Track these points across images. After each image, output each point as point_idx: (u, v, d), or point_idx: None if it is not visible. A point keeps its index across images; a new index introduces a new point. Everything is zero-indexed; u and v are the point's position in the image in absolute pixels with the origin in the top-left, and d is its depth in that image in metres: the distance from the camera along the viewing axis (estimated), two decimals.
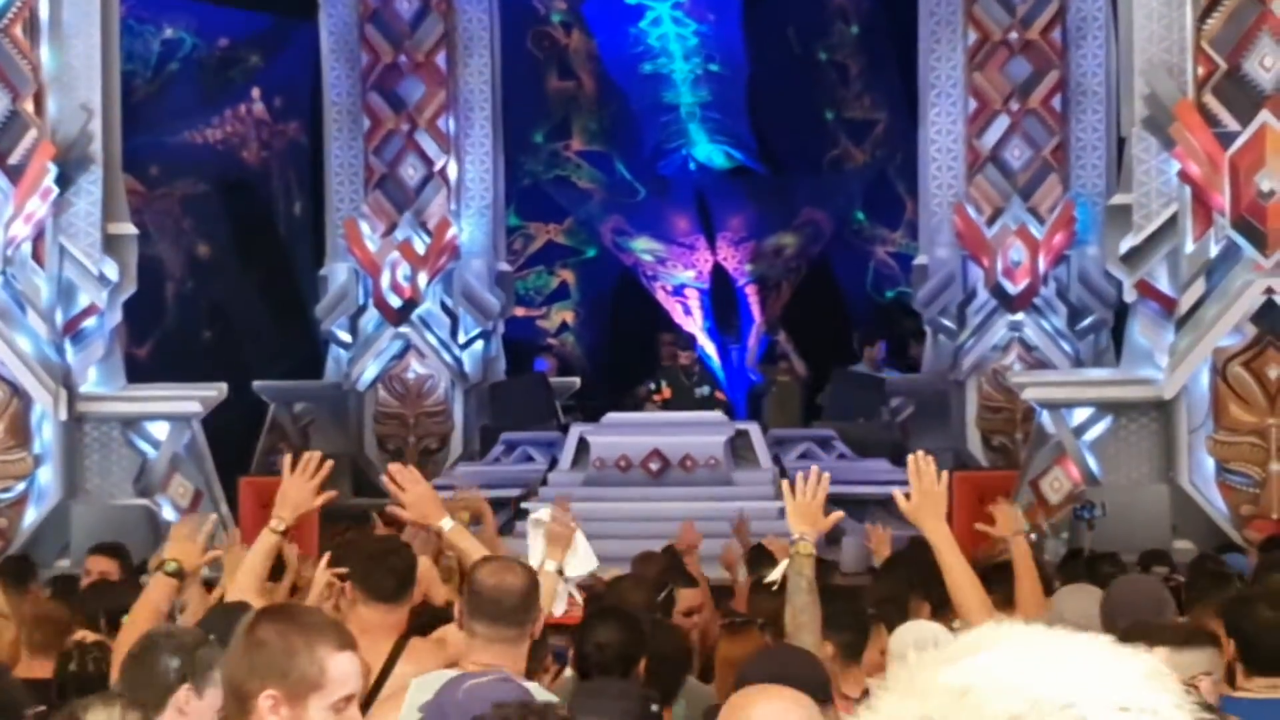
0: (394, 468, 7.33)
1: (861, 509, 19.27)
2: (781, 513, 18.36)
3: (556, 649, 7.50)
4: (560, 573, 7.73)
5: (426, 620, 7.32)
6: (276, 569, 8.44)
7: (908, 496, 7.26)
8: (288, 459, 7.28)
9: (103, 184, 17.95)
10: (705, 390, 21.08)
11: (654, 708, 5.45)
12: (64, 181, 17.73)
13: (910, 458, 7.44)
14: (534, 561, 7.99)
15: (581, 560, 7.99)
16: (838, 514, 7.43)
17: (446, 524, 7.21)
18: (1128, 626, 5.97)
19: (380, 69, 23.38)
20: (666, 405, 20.79)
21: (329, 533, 14.89)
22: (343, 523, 16.64)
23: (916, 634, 6.27)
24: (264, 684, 4.25)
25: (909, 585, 9.03)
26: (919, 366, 23.45)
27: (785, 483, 7.31)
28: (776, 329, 25.09)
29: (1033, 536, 15.27)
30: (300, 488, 7.15)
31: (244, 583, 6.99)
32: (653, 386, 20.98)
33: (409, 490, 7.19)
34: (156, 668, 5.63)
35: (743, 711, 4.67)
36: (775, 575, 7.18)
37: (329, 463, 7.17)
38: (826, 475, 7.27)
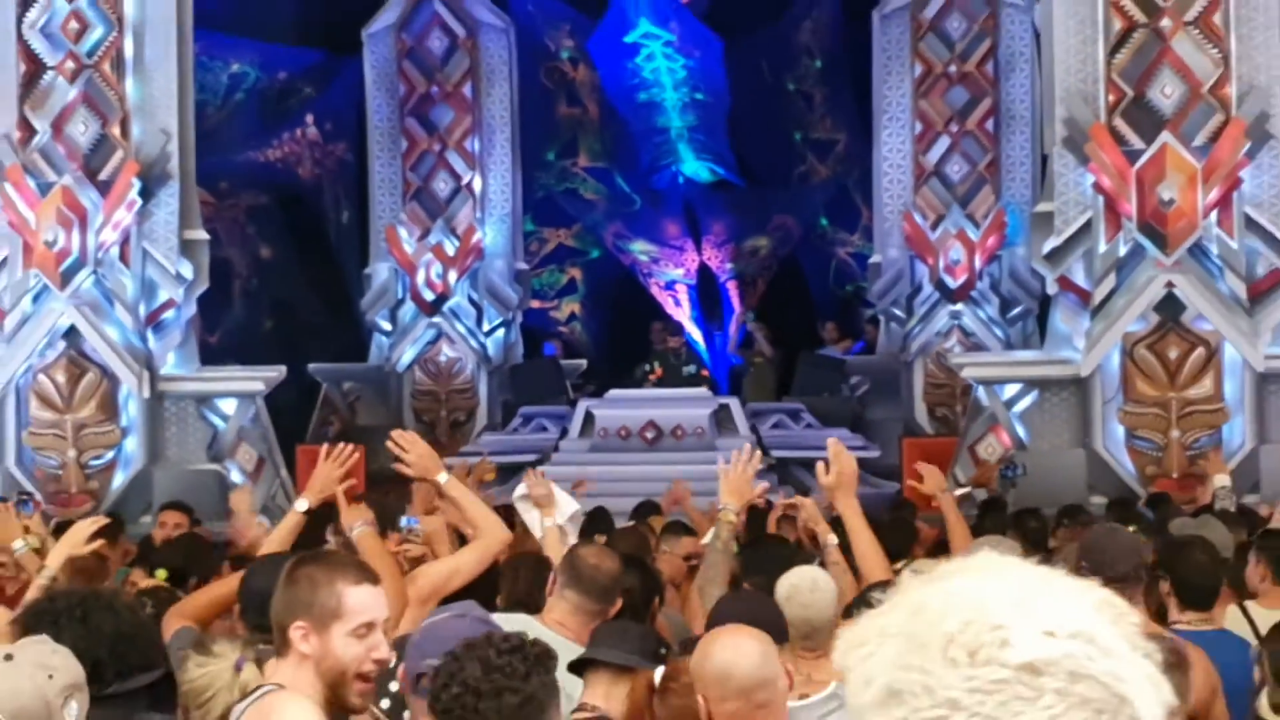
0: (396, 433, 7.20)
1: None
2: (758, 474, 18.43)
3: None
4: (561, 530, 7.75)
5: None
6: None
7: (827, 469, 7.21)
8: (325, 448, 7.19)
9: (179, 196, 17.95)
10: (692, 369, 21.11)
11: (663, 650, 5.44)
12: (146, 194, 17.75)
13: (830, 441, 7.41)
14: (536, 529, 7.96)
15: (565, 507, 7.99)
16: (764, 485, 7.40)
17: (443, 477, 7.12)
18: None
19: (416, 98, 23.38)
20: (660, 383, 20.81)
21: (373, 495, 14.89)
22: (385, 485, 16.69)
23: (795, 578, 6.22)
24: (295, 617, 4.28)
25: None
26: (874, 349, 23.47)
27: (721, 461, 7.25)
28: (750, 319, 25.11)
29: (972, 491, 15.36)
30: (328, 475, 7.05)
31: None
32: (647, 368, 21.00)
33: (410, 451, 7.09)
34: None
35: (712, 643, 4.72)
36: (707, 539, 7.18)
37: (357, 454, 7.09)
38: (758, 453, 7.25)
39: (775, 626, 5.46)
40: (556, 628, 5.91)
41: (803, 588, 6.10)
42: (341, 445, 7.19)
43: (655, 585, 6.87)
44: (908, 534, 10.28)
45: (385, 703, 4.70)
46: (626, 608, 6.35)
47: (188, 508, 12.55)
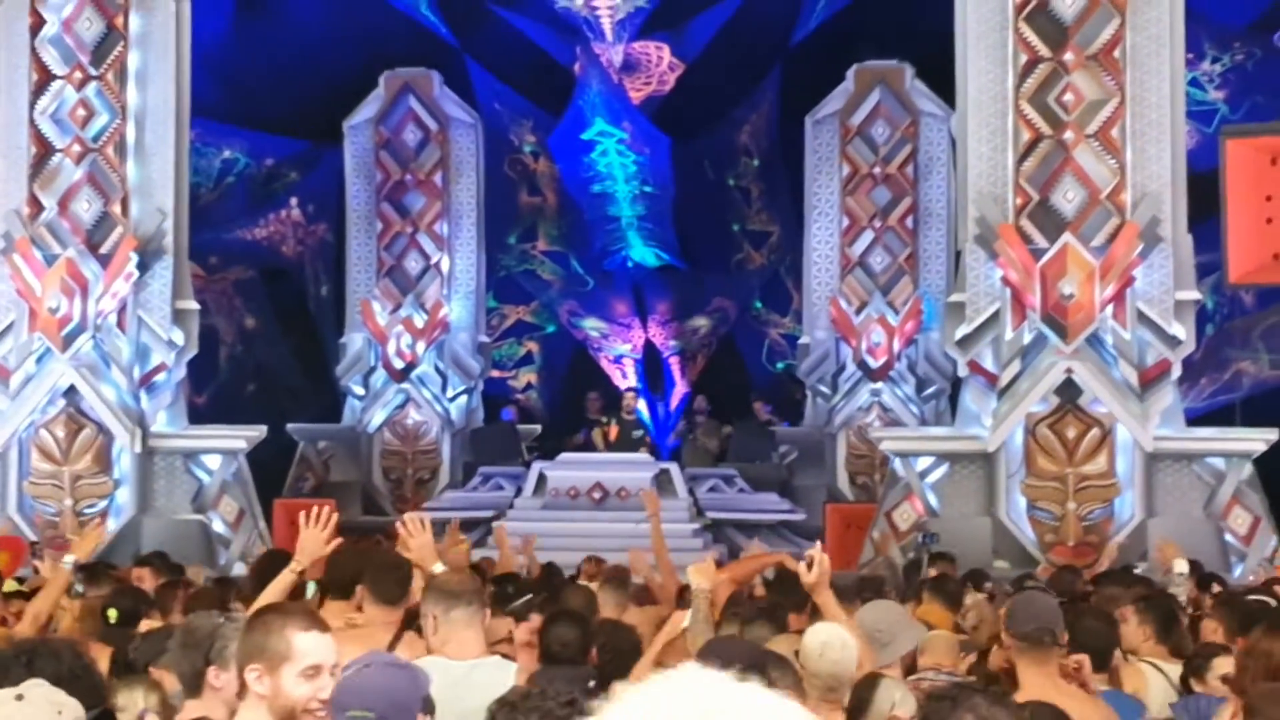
0: (408, 517, 7.15)
1: (754, 530, 19.33)
2: (695, 533, 18.41)
3: None
4: None
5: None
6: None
7: (809, 567, 7.10)
8: (302, 515, 6.94)
9: (173, 269, 17.93)
10: (639, 433, 21.02)
11: (591, 684, 5.43)
12: (143, 267, 17.74)
13: (815, 549, 7.30)
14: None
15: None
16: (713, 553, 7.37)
17: (438, 568, 7.06)
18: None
19: (391, 184, 23.42)
20: (614, 445, 20.62)
21: (365, 542, 14.79)
22: (354, 535, 16.61)
23: (825, 635, 6.19)
24: (249, 660, 4.28)
25: (791, 601, 8.94)
26: (802, 421, 23.48)
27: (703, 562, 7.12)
28: (696, 396, 24.81)
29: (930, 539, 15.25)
30: (314, 539, 6.83)
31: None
32: (604, 420, 20.89)
33: (415, 538, 7.07)
34: (188, 655, 5.65)
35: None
36: (686, 622, 7.04)
37: (334, 516, 6.87)
38: (713, 554, 7.25)
39: (759, 666, 5.45)
40: (457, 654, 5.88)
41: (834, 644, 6.06)
42: (318, 507, 7.02)
43: (590, 638, 6.81)
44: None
45: None
46: (565, 661, 6.35)
47: (153, 562, 12.33)
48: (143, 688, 5.06)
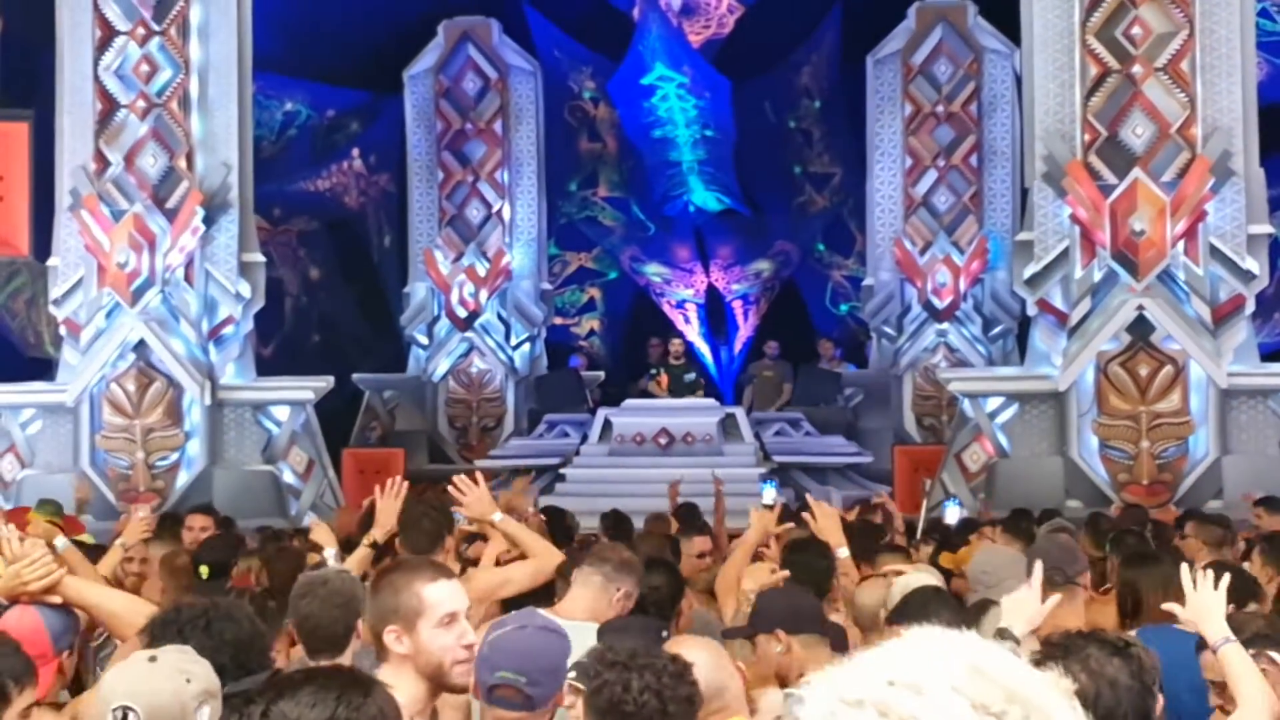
0: (456, 480, 7.14)
1: (822, 474, 19.24)
2: (761, 478, 18.29)
3: None
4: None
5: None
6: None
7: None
8: (377, 488, 7.18)
9: (238, 222, 17.93)
10: (691, 376, 20.85)
11: (665, 634, 5.37)
12: (209, 221, 17.74)
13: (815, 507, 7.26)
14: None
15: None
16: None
17: (497, 516, 7.10)
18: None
19: (451, 133, 23.36)
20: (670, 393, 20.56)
21: (411, 493, 14.76)
22: (421, 484, 16.59)
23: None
24: (386, 623, 4.21)
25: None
26: (867, 363, 23.35)
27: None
28: (768, 341, 24.45)
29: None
30: (390, 511, 7.07)
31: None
32: (653, 372, 20.80)
33: (469, 494, 7.07)
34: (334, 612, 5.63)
35: None
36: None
37: (405, 483, 7.11)
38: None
39: (814, 617, 5.46)
40: (566, 614, 5.83)
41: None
42: (392, 481, 7.16)
43: (680, 586, 6.77)
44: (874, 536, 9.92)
45: None
46: (652, 605, 6.30)
47: (214, 511, 12.31)
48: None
